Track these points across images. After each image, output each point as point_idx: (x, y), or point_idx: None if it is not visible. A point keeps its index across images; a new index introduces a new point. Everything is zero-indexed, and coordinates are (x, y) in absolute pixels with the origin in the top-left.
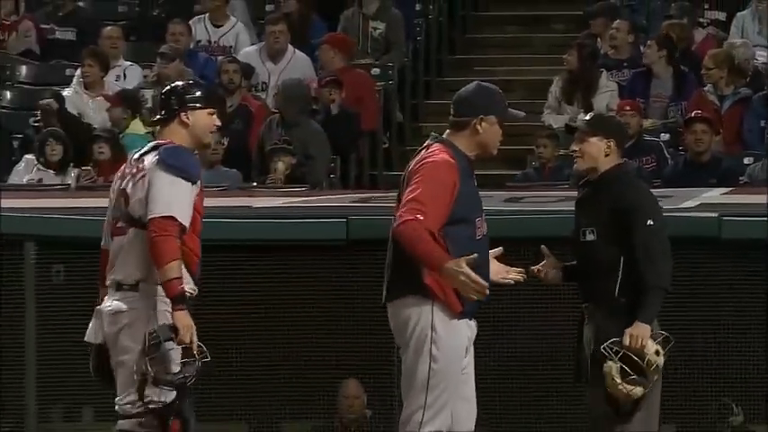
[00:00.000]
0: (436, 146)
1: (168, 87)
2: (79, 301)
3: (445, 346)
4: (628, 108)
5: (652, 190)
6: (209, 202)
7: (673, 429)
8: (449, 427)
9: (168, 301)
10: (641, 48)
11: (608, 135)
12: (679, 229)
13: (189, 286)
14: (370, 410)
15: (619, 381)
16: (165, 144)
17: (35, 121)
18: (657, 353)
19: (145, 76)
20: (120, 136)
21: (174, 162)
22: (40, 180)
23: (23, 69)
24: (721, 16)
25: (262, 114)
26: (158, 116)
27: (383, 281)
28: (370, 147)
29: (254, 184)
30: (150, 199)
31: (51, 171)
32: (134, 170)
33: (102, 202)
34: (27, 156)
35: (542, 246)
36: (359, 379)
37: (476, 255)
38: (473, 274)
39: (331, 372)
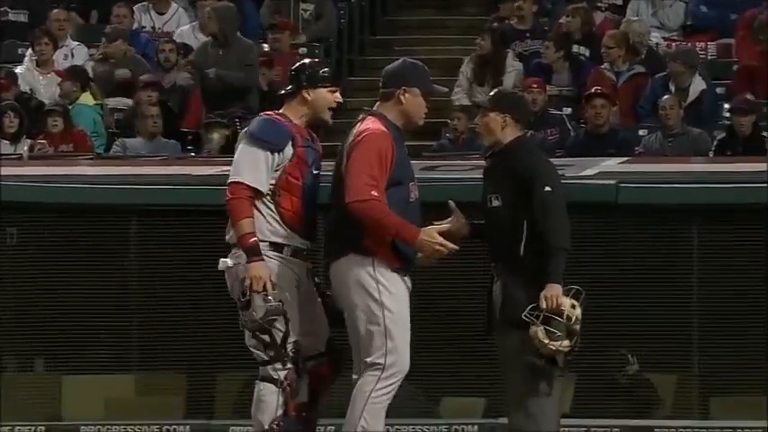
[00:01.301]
0: (369, 118)
1: (298, 65)
2: (30, 262)
3: (394, 294)
4: (534, 86)
5: (556, 159)
6: (151, 170)
7: (574, 378)
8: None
9: (270, 253)
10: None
11: (504, 110)
12: (580, 194)
13: (295, 241)
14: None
15: (547, 341)
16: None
17: None
18: (573, 306)
19: (91, 55)
20: (71, 107)
21: (255, 132)
22: None
23: None
24: (618, 1)
25: (197, 90)
26: (284, 90)
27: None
28: None
29: (192, 154)
30: (232, 165)
31: (6, 141)
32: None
33: (54, 171)
34: None
35: (449, 201)
36: None
37: (448, 224)
38: (447, 243)
39: None
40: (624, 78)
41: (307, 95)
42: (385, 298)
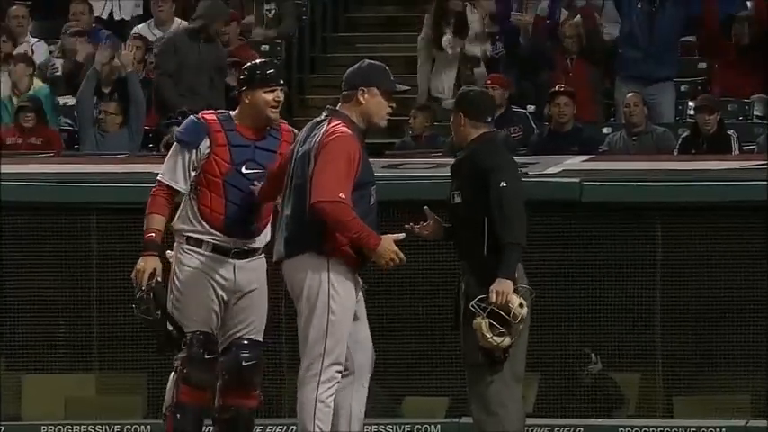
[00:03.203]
0: (336, 120)
1: (244, 67)
2: None
3: (342, 298)
4: (489, 82)
5: (520, 157)
6: (112, 168)
7: (537, 377)
8: (343, 370)
9: (186, 247)
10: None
11: (459, 110)
12: (544, 192)
13: (216, 238)
14: None
15: (489, 335)
16: None
17: None
18: (521, 305)
19: (51, 52)
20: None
21: (177, 131)
22: None
23: None
24: None
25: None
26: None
27: (276, 240)
28: None
29: (154, 153)
30: None
31: None
32: None
33: (14, 168)
34: None
35: (425, 207)
36: None
37: (403, 234)
38: (400, 253)
39: None
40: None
41: (246, 98)
42: (333, 302)
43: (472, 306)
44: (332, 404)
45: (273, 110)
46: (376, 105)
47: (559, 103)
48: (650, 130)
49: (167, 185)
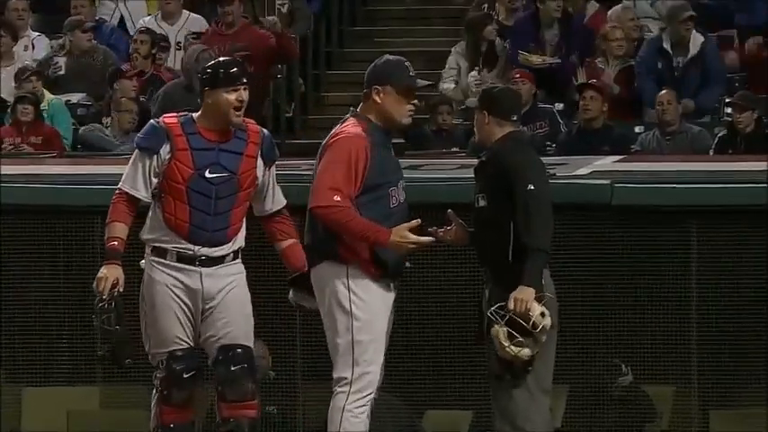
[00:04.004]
0: (350, 120)
1: (206, 65)
2: None
3: (367, 303)
4: (518, 75)
5: (548, 158)
6: (116, 169)
7: (566, 390)
8: (378, 380)
9: (151, 259)
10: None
11: (482, 108)
12: (573, 194)
13: (181, 246)
14: (273, 372)
15: (507, 344)
16: None
17: None
18: (543, 314)
19: (52, 47)
20: (45, 107)
21: (137, 136)
22: None
23: None
24: None
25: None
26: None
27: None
28: (274, 115)
29: None
30: None
31: None
32: None
33: (16, 170)
34: None
35: (449, 210)
36: (264, 341)
37: (418, 220)
38: (419, 238)
39: None
40: (617, 70)
41: (208, 99)
42: (356, 308)
43: (490, 313)
44: (362, 415)
45: (236, 111)
46: (393, 104)
47: (585, 97)
48: (685, 129)
49: (127, 193)
